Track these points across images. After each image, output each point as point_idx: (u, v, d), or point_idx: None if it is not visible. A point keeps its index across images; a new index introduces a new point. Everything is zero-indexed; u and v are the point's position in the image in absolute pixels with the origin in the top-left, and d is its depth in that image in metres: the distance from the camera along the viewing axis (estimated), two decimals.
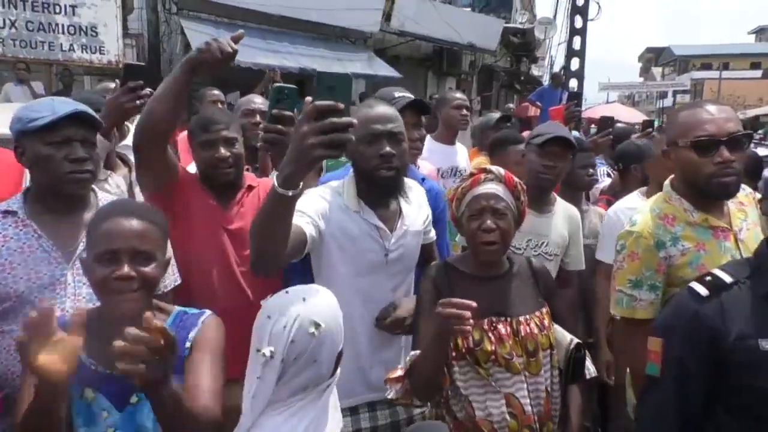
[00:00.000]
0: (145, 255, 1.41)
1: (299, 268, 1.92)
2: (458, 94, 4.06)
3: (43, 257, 1.68)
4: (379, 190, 1.92)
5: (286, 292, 1.43)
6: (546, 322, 1.82)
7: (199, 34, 8.58)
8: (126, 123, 2.45)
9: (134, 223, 1.41)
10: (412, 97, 2.51)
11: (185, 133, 2.53)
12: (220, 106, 3.61)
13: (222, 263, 2.11)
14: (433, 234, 2.19)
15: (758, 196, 2.13)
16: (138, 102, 2.20)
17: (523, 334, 1.76)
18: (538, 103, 9.11)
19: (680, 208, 1.94)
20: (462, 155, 3.92)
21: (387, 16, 11.55)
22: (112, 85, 2.36)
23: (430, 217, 2.14)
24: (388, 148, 1.85)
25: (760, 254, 1.49)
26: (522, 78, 19.68)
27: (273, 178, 1.42)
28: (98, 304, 1.48)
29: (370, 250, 1.91)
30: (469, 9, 15.49)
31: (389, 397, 1.72)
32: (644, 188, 2.78)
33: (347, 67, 10.06)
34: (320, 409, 1.40)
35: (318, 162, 1.40)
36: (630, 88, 33.49)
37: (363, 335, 1.93)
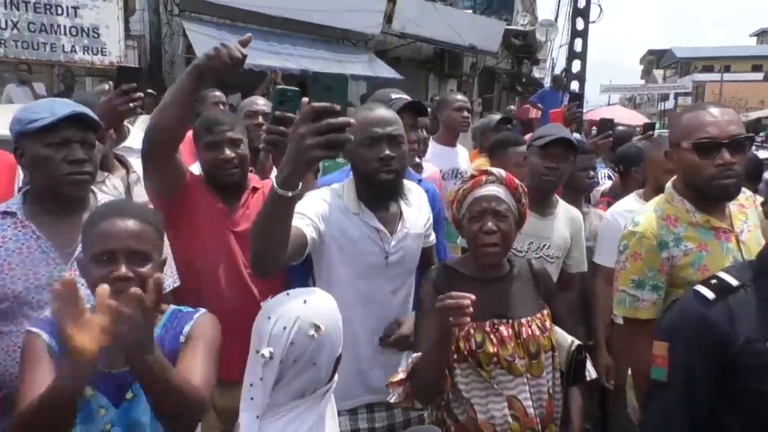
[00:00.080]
0: (142, 255, 1.41)
1: (301, 270, 1.92)
2: (459, 96, 4.06)
3: (41, 258, 1.68)
4: (378, 192, 1.92)
5: (287, 293, 1.43)
6: (547, 323, 1.82)
7: (201, 36, 8.58)
8: (126, 125, 2.45)
9: (130, 224, 1.41)
10: (409, 98, 2.51)
11: (189, 133, 2.53)
12: (221, 107, 3.61)
13: (229, 265, 2.10)
14: (433, 238, 2.18)
15: (759, 198, 2.13)
16: (131, 105, 2.19)
17: (524, 336, 1.76)
18: (540, 105, 9.12)
19: (682, 209, 1.94)
20: (463, 157, 3.92)
21: (388, 18, 11.54)
22: (106, 87, 2.35)
23: (431, 220, 2.13)
24: (387, 152, 1.85)
25: (763, 257, 1.49)
26: (523, 80, 19.69)
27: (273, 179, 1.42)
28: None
29: (370, 253, 1.91)
30: (470, 11, 15.48)
31: (391, 401, 1.71)
32: (641, 191, 2.78)
33: (348, 68, 10.05)
34: (318, 416, 1.40)
35: (316, 162, 1.40)
36: (631, 90, 33.57)
37: (363, 338, 1.93)
